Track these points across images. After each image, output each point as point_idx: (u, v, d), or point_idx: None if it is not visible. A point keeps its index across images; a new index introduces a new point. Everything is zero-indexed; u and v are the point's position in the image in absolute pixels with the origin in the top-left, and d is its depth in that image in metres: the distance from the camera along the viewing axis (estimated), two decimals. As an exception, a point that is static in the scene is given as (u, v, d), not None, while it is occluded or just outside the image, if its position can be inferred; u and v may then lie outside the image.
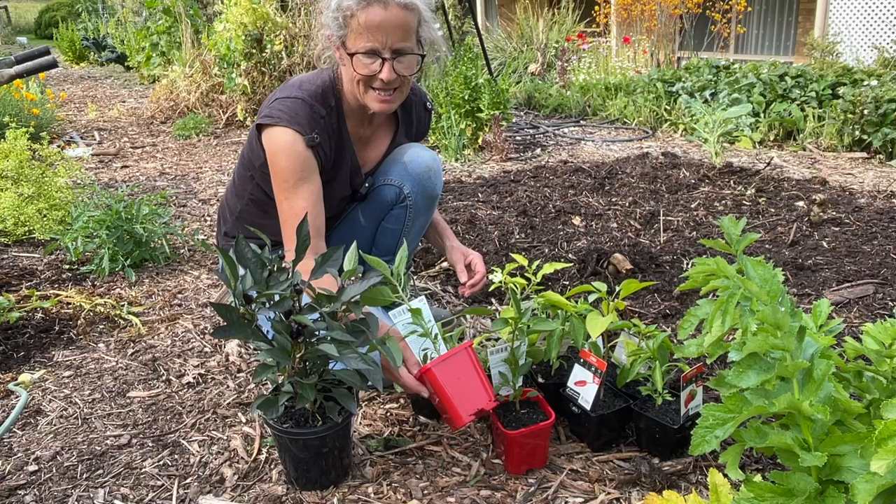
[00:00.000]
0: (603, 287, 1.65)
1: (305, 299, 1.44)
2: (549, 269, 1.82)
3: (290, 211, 1.81)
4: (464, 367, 1.54)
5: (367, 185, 2.05)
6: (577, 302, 1.70)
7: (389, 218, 2.10)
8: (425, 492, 1.53)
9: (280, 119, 1.77)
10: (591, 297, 1.70)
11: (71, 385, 2.03)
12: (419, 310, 1.61)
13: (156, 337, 2.32)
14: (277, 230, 2.00)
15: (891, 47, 6.70)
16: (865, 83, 4.62)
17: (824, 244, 2.90)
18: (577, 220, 3.29)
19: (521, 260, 1.86)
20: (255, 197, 2.01)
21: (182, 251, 3.08)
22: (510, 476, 1.57)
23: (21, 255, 3.07)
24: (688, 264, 2.72)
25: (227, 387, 2.00)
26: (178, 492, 1.56)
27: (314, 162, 1.81)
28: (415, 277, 2.69)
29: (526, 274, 1.86)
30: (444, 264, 2.78)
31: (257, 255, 1.39)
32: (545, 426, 1.56)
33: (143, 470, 1.64)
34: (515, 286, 1.86)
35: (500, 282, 1.91)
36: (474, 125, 4.79)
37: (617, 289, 1.65)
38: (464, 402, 1.52)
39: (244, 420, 1.84)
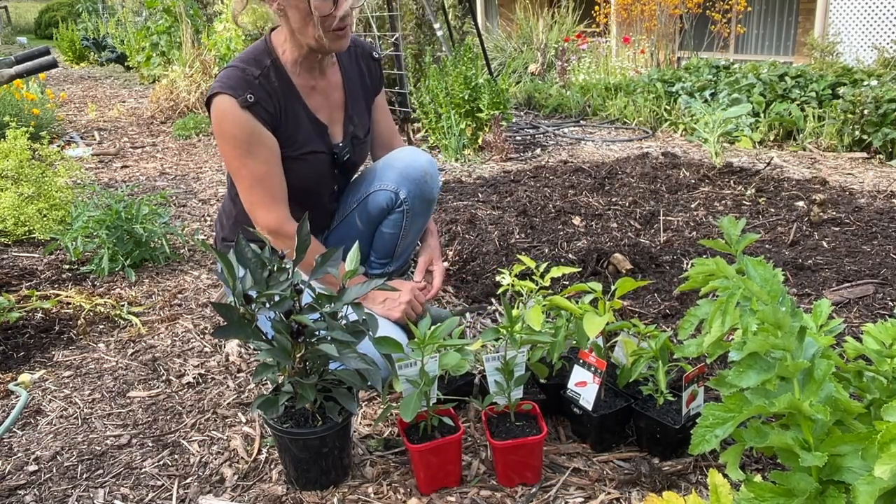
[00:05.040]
0: (598, 287, 1.64)
1: (306, 298, 1.44)
2: (556, 272, 1.81)
3: (252, 176, 1.86)
4: (448, 452, 1.52)
5: (347, 153, 2.04)
6: (577, 302, 1.70)
7: (387, 223, 2.11)
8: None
9: (214, 88, 1.84)
10: (587, 298, 1.69)
11: (71, 385, 2.03)
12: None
13: (156, 337, 2.31)
14: None
15: (891, 47, 6.70)
16: (865, 83, 4.62)
17: (824, 244, 2.90)
18: (577, 220, 3.29)
19: (528, 262, 1.86)
20: None
21: (182, 251, 3.08)
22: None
23: (21, 255, 3.07)
24: (688, 264, 2.72)
25: (227, 387, 2.00)
26: (178, 492, 1.56)
27: (258, 123, 1.84)
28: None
29: (533, 276, 1.86)
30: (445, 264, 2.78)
31: (257, 254, 1.39)
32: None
33: (143, 470, 1.64)
34: (522, 289, 1.85)
35: (509, 285, 1.90)
36: (474, 125, 4.78)
37: (614, 288, 1.65)
38: (431, 480, 1.52)
39: (244, 420, 1.84)
